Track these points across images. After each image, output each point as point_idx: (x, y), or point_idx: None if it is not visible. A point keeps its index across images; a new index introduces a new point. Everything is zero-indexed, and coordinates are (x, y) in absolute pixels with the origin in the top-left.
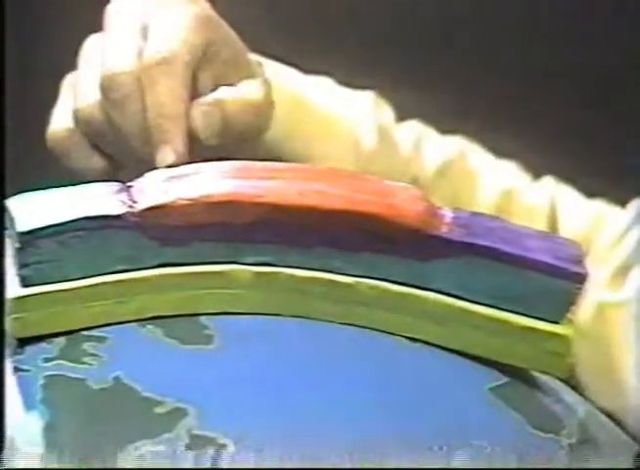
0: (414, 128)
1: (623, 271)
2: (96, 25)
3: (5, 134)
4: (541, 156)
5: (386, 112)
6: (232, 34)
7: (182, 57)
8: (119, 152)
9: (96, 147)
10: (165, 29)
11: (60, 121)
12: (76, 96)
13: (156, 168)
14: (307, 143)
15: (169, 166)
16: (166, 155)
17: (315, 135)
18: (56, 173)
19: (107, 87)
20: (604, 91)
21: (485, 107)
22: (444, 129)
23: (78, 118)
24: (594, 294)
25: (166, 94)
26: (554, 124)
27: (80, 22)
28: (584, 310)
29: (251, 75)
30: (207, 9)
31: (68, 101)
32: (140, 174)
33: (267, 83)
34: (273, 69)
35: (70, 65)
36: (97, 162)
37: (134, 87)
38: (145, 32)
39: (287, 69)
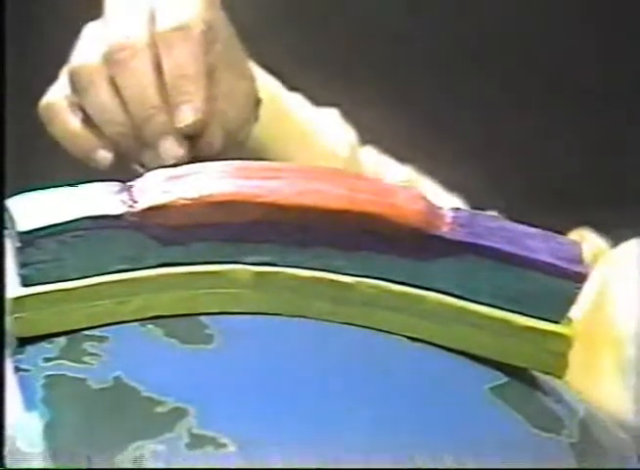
0: (372, 152)
1: None
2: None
3: (5, 134)
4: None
5: (350, 131)
6: (230, 26)
7: (199, 25)
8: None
9: (80, 114)
10: (179, 1)
11: (54, 92)
12: (73, 58)
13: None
14: (288, 147)
15: (188, 126)
16: (186, 114)
17: (296, 140)
18: (57, 173)
19: (113, 49)
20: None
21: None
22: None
23: (72, 76)
24: None
25: (185, 56)
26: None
27: (80, 22)
28: None
29: (244, 73)
30: None
31: (64, 80)
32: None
33: (255, 81)
34: (256, 71)
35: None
36: (75, 125)
37: (144, 49)
38: (152, 12)
39: (264, 74)
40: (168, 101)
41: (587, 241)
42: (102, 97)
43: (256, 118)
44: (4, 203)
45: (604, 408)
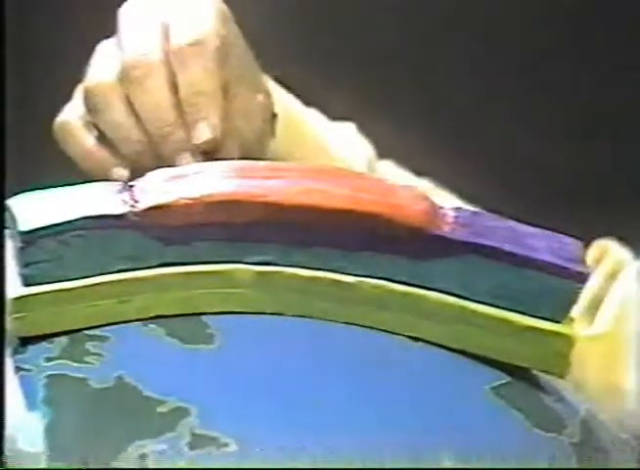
0: (390, 165)
1: (593, 307)
2: (100, 28)
3: (5, 134)
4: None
5: (368, 145)
6: (243, 40)
7: (213, 40)
8: (119, 134)
9: (95, 133)
10: (193, 17)
11: (68, 112)
12: (88, 77)
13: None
14: (305, 161)
15: (205, 143)
16: (203, 131)
17: (312, 155)
18: (57, 173)
19: (128, 67)
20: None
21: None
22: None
23: (87, 95)
24: None
25: (200, 72)
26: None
27: (85, 24)
28: None
29: (258, 87)
30: (226, 7)
31: (78, 99)
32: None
33: (270, 96)
34: (271, 85)
35: (73, 64)
36: (91, 144)
37: (159, 66)
38: (165, 29)
39: (280, 88)
40: (184, 118)
41: (611, 252)
42: (117, 115)
43: (273, 133)
44: (5, 203)
45: (627, 425)
